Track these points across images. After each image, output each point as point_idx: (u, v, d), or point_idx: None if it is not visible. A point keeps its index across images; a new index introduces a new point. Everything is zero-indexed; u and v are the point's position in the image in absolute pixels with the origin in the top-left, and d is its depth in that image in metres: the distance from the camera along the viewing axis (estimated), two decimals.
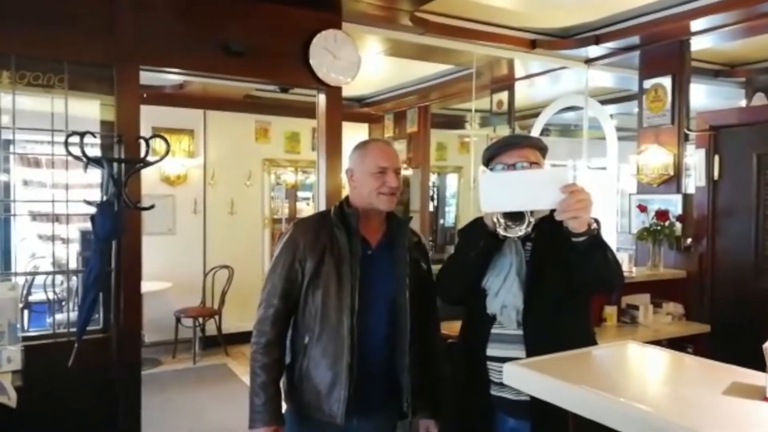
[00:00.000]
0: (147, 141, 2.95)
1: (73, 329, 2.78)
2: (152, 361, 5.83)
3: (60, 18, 2.89)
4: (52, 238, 3.06)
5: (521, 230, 1.72)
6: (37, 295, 5.21)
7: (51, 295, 4.17)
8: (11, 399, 2.23)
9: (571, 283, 1.77)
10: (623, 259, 3.73)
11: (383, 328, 1.87)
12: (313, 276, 1.84)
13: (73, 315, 2.87)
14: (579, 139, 6.09)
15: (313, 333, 1.84)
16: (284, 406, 1.93)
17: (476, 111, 6.03)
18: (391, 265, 1.90)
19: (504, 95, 5.91)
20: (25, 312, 5.09)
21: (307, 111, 4.54)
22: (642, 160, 4.37)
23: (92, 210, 2.75)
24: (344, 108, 4.29)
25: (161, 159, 3.00)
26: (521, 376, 1.43)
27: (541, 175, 1.75)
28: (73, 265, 3.52)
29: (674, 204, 4.17)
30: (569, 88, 5.80)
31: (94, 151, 2.92)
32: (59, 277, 4.27)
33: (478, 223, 1.85)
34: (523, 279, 1.81)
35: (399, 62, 5.29)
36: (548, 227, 1.84)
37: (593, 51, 4.65)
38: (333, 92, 3.69)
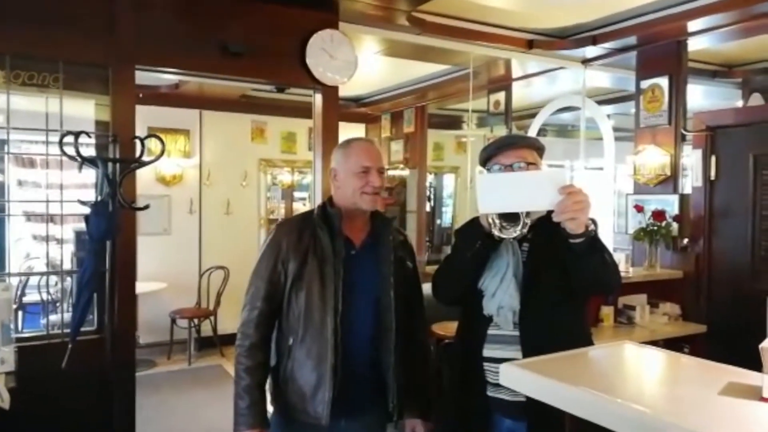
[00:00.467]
0: (142, 141, 2.94)
1: (67, 330, 2.77)
2: (147, 362, 5.81)
3: (56, 18, 2.87)
4: (47, 239, 3.04)
5: (516, 231, 1.71)
6: (31, 296, 5.18)
7: (45, 296, 4.16)
8: (5, 401, 2.22)
9: (567, 284, 1.77)
10: (620, 259, 3.74)
11: (368, 327, 1.87)
12: (296, 277, 1.83)
13: (68, 316, 2.85)
14: (576, 139, 6.09)
15: (297, 334, 1.83)
16: (270, 409, 1.92)
17: (473, 111, 6.03)
18: (375, 264, 1.90)
19: (501, 95, 5.91)
20: (19, 313, 5.06)
21: (303, 111, 4.53)
22: (639, 160, 4.37)
23: (87, 210, 2.74)
24: (341, 108, 4.29)
25: (156, 159, 2.99)
26: (518, 377, 1.43)
27: (538, 176, 1.74)
28: (67, 265, 3.50)
29: (671, 204, 4.17)
30: (566, 89, 5.80)
31: (89, 151, 2.91)
32: (53, 278, 4.26)
33: (475, 224, 1.84)
34: (519, 280, 1.81)
35: (396, 62, 5.29)
36: (545, 228, 1.83)
37: (590, 51, 4.65)
38: (329, 92, 3.69)
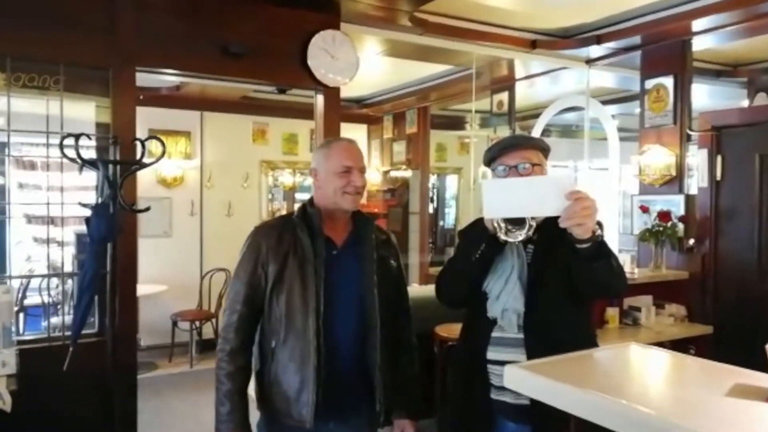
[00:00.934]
0: (143, 143, 2.93)
1: (68, 333, 2.76)
2: (148, 365, 5.80)
3: (57, 20, 2.88)
4: (47, 241, 3.04)
5: (522, 235, 1.69)
6: (33, 299, 5.19)
7: (46, 299, 4.15)
8: (6, 403, 2.22)
9: (572, 287, 1.75)
10: (625, 260, 3.71)
11: (352, 328, 1.84)
12: (276, 280, 1.81)
13: (69, 318, 2.85)
14: (580, 139, 6.07)
15: (279, 337, 1.81)
16: (257, 414, 1.90)
17: (476, 112, 6.01)
18: (357, 264, 1.88)
19: (504, 96, 5.90)
20: (20, 315, 5.06)
21: (305, 112, 4.52)
22: (644, 160, 4.35)
23: (87, 212, 2.73)
24: (343, 109, 4.28)
25: (157, 161, 2.99)
26: (522, 379, 1.41)
27: (544, 181, 1.72)
28: (68, 268, 3.49)
29: (676, 205, 4.15)
30: (570, 89, 5.78)
31: (90, 153, 2.90)
32: (54, 281, 4.25)
33: (479, 225, 1.82)
34: (524, 282, 1.79)
35: (398, 63, 5.28)
36: (550, 230, 1.81)
37: (594, 51, 4.63)
38: (331, 93, 3.68)
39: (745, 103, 5.37)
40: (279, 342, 1.81)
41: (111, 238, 2.79)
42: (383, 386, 1.85)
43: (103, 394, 2.86)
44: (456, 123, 7.88)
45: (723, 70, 5.40)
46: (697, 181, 4.16)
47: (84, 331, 2.76)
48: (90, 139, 2.89)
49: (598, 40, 4.40)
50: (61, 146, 2.69)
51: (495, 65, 5.27)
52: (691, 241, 4.14)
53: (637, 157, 4.42)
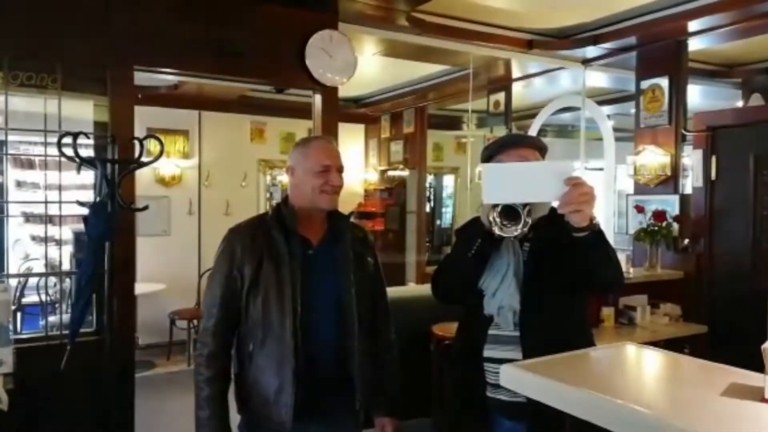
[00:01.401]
0: (141, 141, 2.93)
1: (66, 331, 2.75)
2: (146, 364, 5.79)
3: (54, 18, 2.87)
4: (45, 240, 3.03)
5: (517, 230, 1.70)
6: (30, 297, 5.18)
7: (44, 297, 4.15)
8: (3, 402, 2.21)
9: (569, 284, 1.76)
10: (621, 259, 3.72)
11: (331, 328, 1.82)
12: (252, 282, 1.78)
13: (66, 317, 2.84)
14: (576, 140, 6.08)
15: (256, 339, 1.78)
16: (238, 418, 1.88)
17: (473, 112, 6.03)
18: (334, 263, 1.86)
19: (501, 96, 5.91)
20: (18, 314, 5.05)
21: (302, 111, 4.52)
22: (639, 160, 4.36)
23: (85, 211, 2.73)
24: (340, 109, 4.28)
25: (155, 160, 2.99)
26: (518, 378, 1.42)
27: (544, 167, 1.73)
28: (66, 266, 3.49)
29: (671, 204, 4.17)
30: (566, 89, 5.79)
31: (88, 152, 2.90)
32: (52, 279, 4.25)
33: (475, 223, 1.83)
34: (520, 280, 1.80)
35: (396, 63, 5.28)
36: (546, 228, 1.82)
37: (590, 51, 4.65)
38: (329, 93, 3.68)
39: (740, 103, 5.40)
40: (257, 344, 1.78)
41: (109, 236, 2.79)
42: (363, 385, 1.84)
43: (100, 392, 2.86)
44: (453, 123, 7.88)
45: (718, 71, 5.42)
46: (691, 181, 4.18)
47: (82, 330, 2.75)
48: (88, 137, 2.89)
49: (594, 40, 4.42)
50: (59, 145, 2.68)
51: (492, 65, 5.27)
52: (686, 241, 4.16)
53: (632, 157, 4.44)
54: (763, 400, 1.20)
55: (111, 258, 2.91)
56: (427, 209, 8.03)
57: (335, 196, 1.87)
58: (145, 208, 2.94)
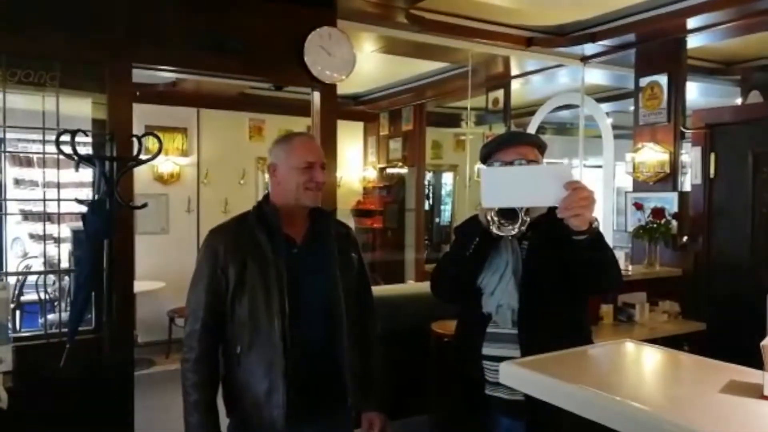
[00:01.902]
0: (139, 139, 2.93)
1: (65, 329, 2.75)
2: (145, 362, 5.79)
3: (52, 16, 2.86)
4: (44, 238, 3.03)
5: (515, 229, 1.70)
6: (29, 296, 5.17)
7: (43, 295, 4.14)
8: (2, 400, 2.21)
9: (567, 283, 1.76)
10: (619, 257, 3.73)
11: (319, 326, 1.81)
12: (237, 283, 1.76)
13: (65, 315, 2.84)
14: (575, 137, 6.08)
15: (244, 342, 1.76)
16: (227, 421, 1.86)
17: (472, 109, 6.02)
18: (319, 260, 1.84)
19: (500, 93, 5.90)
20: (17, 312, 5.05)
21: (301, 109, 4.51)
22: (638, 158, 4.37)
23: (84, 209, 2.72)
24: (339, 106, 4.27)
25: (154, 157, 2.98)
26: (517, 375, 1.42)
27: (543, 171, 1.73)
28: (65, 264, 3.49)
29: (670, 202, 4.17)
30: (565, 86, 5.80)
31: (86, 150, 2.89)
32: (51, 277, 4.24)
33: (474, 222, 1.83)
34: (519, 278, 1.80)
35: (394, 60, 5.27)
36: (545, 226, 1.83)
37: (589, 49, 4.64)
38: (328, 90, 3.67)
39: (739, 100, 5.40)
40: (244, 347, 1.76)
41: (108, 234, 2.78)
42: (354, 381, 1.82)
43: (100, 390, 2.86)
44: (452, 120, 7.88)
45: (716, 68, 5.42)
46: (690, 179, 4.18)
47: (81, 328, 2.75)
48: (86, 135, 2.88)
49: (593, 37, 4.41)
50: (58, 142, 2.67)
51: (491, 63, 5.27)
52: (685, 238, 4.17)
53: (631, 155, 4.44)
54: (762, 397, 1.21)
55: (110, 256, 2.90)
56: (426, 207, 8.03)
57: (319, 192, 1.85)
58: (144, 205, 2.93)
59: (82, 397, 2.81)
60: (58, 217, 3.00)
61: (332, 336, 1.81)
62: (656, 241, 4.12)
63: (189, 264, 6.55)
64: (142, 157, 2.93)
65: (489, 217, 1.72)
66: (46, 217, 2.99)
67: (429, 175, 8.26)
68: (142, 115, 4.41)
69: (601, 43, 4.45)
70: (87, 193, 2.95)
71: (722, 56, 5.23)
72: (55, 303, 4.49)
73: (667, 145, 4.23)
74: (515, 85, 5.85)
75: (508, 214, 1.70)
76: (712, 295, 4.04)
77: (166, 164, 6.40)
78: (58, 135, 2.70)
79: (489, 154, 1.90)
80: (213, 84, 5.62)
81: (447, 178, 8.92)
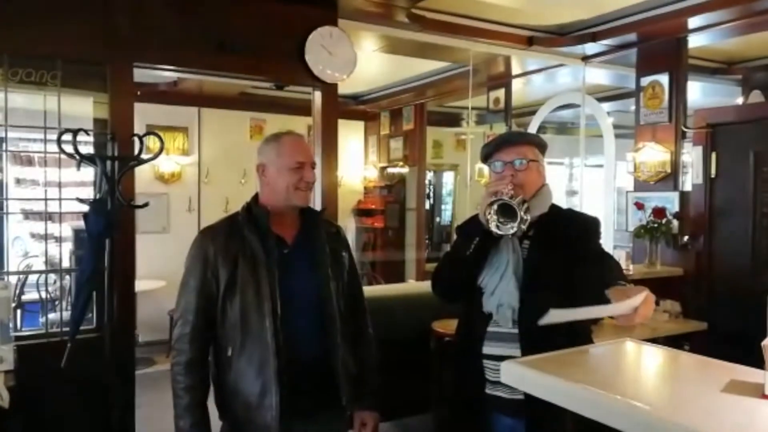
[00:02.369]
0: (141, 138, 2.93)
1: (66, 329, 2.75)
2: (146, 361, 5.80)
3: (54, 15, 2.86)
4: (45, 237, 3.03)
5: (514, 228, 1.70)
6: (30, 295, 5.17)
7: (44, 295, 4.14)
8: (4, 399, 2.21)
9: (567, 282, 1.76)
10: (620, 256, 3.73)
11: (311, 326, 1.80)
12: (228, 284, 1.74)
13: (66, 314, 2.84)
14: (576, 136, 6.08)
15: (235, 344, 1.74)
16: (220, 424, 1.86)
17: (473, 108, 6.02)
18: (310, 260, 1.83)
19: (501, 93, 5.90)
20: (18, 311, 5.05)
21: (302, 108, 4.51)
22: (639, 157, 4.36)
23: (85, 208, 2.72)
24: (340, 105, 4.27)
25: (155, 157, 2.98)
26: (518, 374, 1.42)
27: (607, 310, 1.61)
28: (66, 264, 3.49)
29: (671, 201, 4.17)
30: (566, 86, 5.79)
31: (88, 149, 2.89)
32: (52, 276, 4.24)
33: (475, 221, 1.83)
34: (519, 277, 1.80)
35: (395, 59, 5.27)
36: (546, 225, 1.83)
37: (590, 48, 4.64)
38: (329, 89, 3.67)
39: (740, 100, 5.39)
40: (236, 349, 1.74)
41: (109, 234, 2.78)
42: (347, 380, 1.82)
43: (101, 389, 2.86)
44: (452, 120, 7.88)
45: (718, 68, 5.41)
46: (691, 178, 4.18)
47: (82, 327, 2.74)
48: (88, 134, 2.88)
49: (594, 37, 4.41)
50: (59, 142, 2.67)
51: (491, 62, 5.27)
52: (686, 238, 4.16)
53: (632, 154, 4.44)
54: (763, 396, 1.21)
55: (111, 255, 2.90)
56: (427, 206, 8.03)
57: (309, 192, 1.84)
58: (146, 205, 2.93)
59: (84, 395, 2.82)
60: (59, 217, 3.01)
61: (325, 335, 1.80)
62: (657, 240, 4.12)
63: None
64: (144, 156, 2.93)
65: (488, 216, 1.72)
66: (47, 216, 2.99)
67: (430, 175, 8.26)
68: (144, 114, 4.41)
69: (602, 42, 4.45)
70: (88, 193, 2.95)
71: (723, 56, 5.22)
72: (56, 302, 4.49)
73: (668, 144, 4.22)
74: (516, 84, 5.85)
75: (507, 213, 1.70)
76: (713, 294, 4.04)
77: (167, 164, 6.41)
78: (60, 134, 2.70)
79: (489, 154, 1.90)
80: (214, 83, 5.62)
81: (448, 178, 8.93)
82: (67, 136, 2.67)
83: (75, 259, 3.66)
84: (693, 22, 3.93)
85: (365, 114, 7.83)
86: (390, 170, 7.70)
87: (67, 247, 3.73)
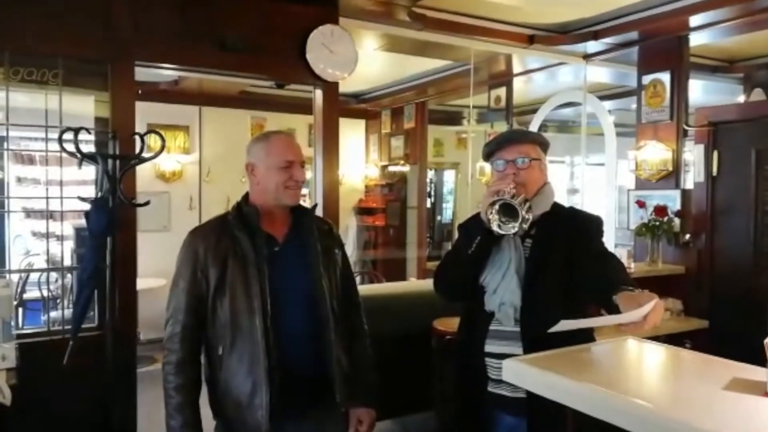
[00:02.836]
0: (142, 137, 2.93)
1: (68, 327, 2.75)
2: (148, 359, 5.79)
3: (55, 14, 2.86)
4: (47, 235, 3.03)
5: (515, 227, 1.70)
6: (32, 293, 5.18)
7: (45, 293, 4.15)
8: (6, 397, 2.21)
9: (569, 281, 1.76)
10: (622, 255, 3.73)
11: (303, 323, 1.79)
12: (218, 284, 1.74)
13: (68, 312, 2.85)
14: (577, 135, 6.08)
15: (226, 343, 1.74)
16: (213, 423, 1.86)
17: (474, 107, 6.02)
18: (302, 257, 1.83)
19: (502, 91, 5.90)
20: (20, 310, 5.05)
21: (303, 107, 4.51)
22: (641, 155, 4.36)
23: (87, 207, 2.72)
24: (341, 104, 4.27)
25: (156, 155, 2.98)
26: (521, 372, 1.42)
27: (617, 319, 1.56)
28: (67, 262, 3.49)
29: (673, 200, 4.16)
30: (567, 84, 5.78)
31: (89, 148, 2.89)
32: (54, 275, 4.25)
33: (476, 219, 1.84)
34: (521, 276, 1.80)
35: (396, 58, 5.27)
36: (548, 224, 1.83)
37: (591, 46, 4.63)
38: (330, 88, 3.67)
39: (742, 98, 5.38)
40: (226, 348, 1.74)
41: (110, 232, 2.79)
42: (341, 378, 1.81)
43: (103, 387, 2.86)
44: (454, 118, 7.88)
45: (719, 66, 5.41)
46: (693, 177, 4.18)
47: (84, 326, 2.75)
48: (89, 133, 2.88)
49: (596, 35, 4.40)
50: (60, 140, 2.67)
51: (493, 60, 5.27)
52: (687, 236, 4.16)
53: (633, 153, 4.43)
54: (765, 394, 1.21)
55: (112, 253, 2.91)
56: (428, 205, 8.03)
57: (299, 191, 1.84)
58: (147, 203, 2.93)
59: (86, 393, 2.82)
60: (60, 215, 3.01)
61: (318, 333, 1.79)
62: (659, 238, 4.12)
63: None
64: (145, 155, 2.93)
65: (489, 216, 1.72)
66: (48, 214, 2.99)
67: (431, 173, 8.26)
68: (145, 113, 4.41)
69: (603, 40, 4.44)
70: (90, 191, 2.95)
71: (725, 54, 5.22)
72: (58, 300, 4.50)
73: (670, 142, 4.22)
74: (517, 82, 5.84)
75: (508, 212, 1.70)
76: (715, 292, 4.04)
77: (168, 162, 6.41)
78: (61, 133, 2.70)
79: (491, 152, 1.90)
80: (215, 82, 5.62)
81: (449, 176, 8.93)
82: (69, 135, 2.67)
83: (76, 257, 3.66)
84: (694, 20, 3.92)
85: (366, 112, 7.83)
86: (391, 169, 7.70)
87: (69, 245, 3.74)
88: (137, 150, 2.92)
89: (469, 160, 6.27)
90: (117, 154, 2.92)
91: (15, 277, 4.88)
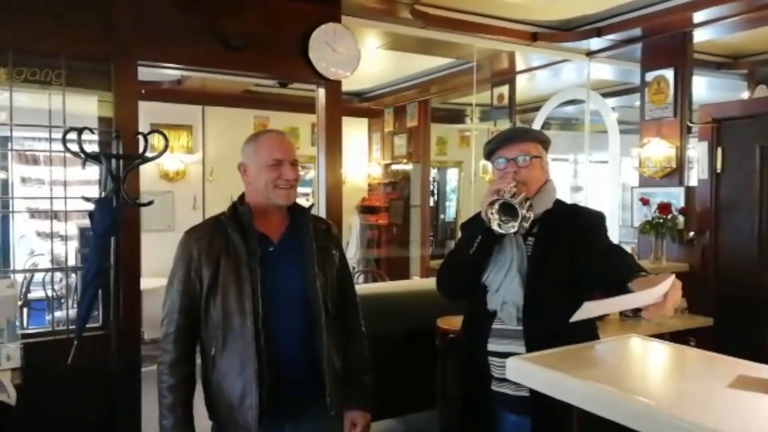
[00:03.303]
0: (145, 137, 2.93)
1: (73, 327, 2.76)
2: (152, 358, 5.79)
3: (57, 13, 2.87)
4: (51, 235, 3.04)
5: (515, 226, 1.70)
6: (36, 293, 5.20)
7: (50, 293, 4.16)
8: (11, 397, 2.21)
9: (572, 279, 1.76)
10: None
11: (296, 325, 1.78)
12: (211, 284, 1.75)
13: (72, 312, 2.85)
14: (580, 132, 6.06)
15: (218, 343, 1.74)
16: (210, 424, 1.86)
17: (477, 105, 6.00)
18: (297, 257, 1.81)
19: (505, 89, 5.89)
20: (24, 310, 5.08)
21: (306, 106, 4.51)
22: (644, 153, 4.35)
23: (91, 207, 2.73)
24: (344, 102, 4.27)
25: (160, 155, 2.98)
26: (524, 371, 1.42)
27: (637, 299, 1.54)
28: (71, 262, 3.50)
29: (677, 197, 4.15)
30: (570, 81, 5.77)
31: (92, 148, 2.90)
32: (58, 275, 4.26)
33: (478, 219, 1.83)
34: (523, 275, 1.80)
35: (399, 56, 5.27)
36: (550, 223, 1.82)
37: (595, 43, 4.62)
38: (332, 86, 3.67)
39: (746, 95, 5.36)
40: (218, 349, 1.74)
41: (114, 232, 2.79)
42: (334, 379, 1.80)
43: (107, 387, 2.87)
44: (456, 116, 7.87)
45: (723, 62, 5.39)
46: (697, 174, 4.16)
47: (88, 325, 2.75)
48: (93, 133, 2.88)
49: (599, 32, 4.39)
50: (64, 140, 2.68)
51: (495, 58, 5.26)
52: (692, 234, 4.15)
53: (637, 150, 4.42)
54: None
55: (116, 253, 2.91)
56: (431, 203, 8.02)
57: (291, 190, 1.82)
58: (151, 203, 2.94)
59: (90, 393, 2.83)
60: (64, 215, 3.02)
61: (310, 333, 1.78)
62: (663, 236, 4.10)
63: None
64: (148, 154, 2.94)
65: (489, 215, 1.72)
66: (53, 214, 3.00)
67: (434, 172, 8.25)
68: (148, 112, 4.43)
69: (606, 37, 4.42)
70: (93, 191, 2.96)
71: (729, 50, 5.20)
72: (62, 300, 4.51)
73: (674, 139, 4.21)
74: (520, 80, 5.83)
75: (508, 211, 1.70)
76: (719, 290, 4.02)
77: (171, 162, 6.43)
78: (65, 133, 2.71)
79: (492, 150, 1.90)
80: (218, 81, 5.63)
81: (452, 175, 8.92)
82: (72, 135, 2.68)
83: (81, 257, 3.68)
84: (698, 16, 3.91)
85: (369, 111, 7.83)
86: (394, 167, 7.70)
87: (73, 245, 3.75)
88: (141, 150, 2.93)
89: (472, 159, 6.26)
90: (120, 153, 2.92)
91: (20, 277, 4.91)
